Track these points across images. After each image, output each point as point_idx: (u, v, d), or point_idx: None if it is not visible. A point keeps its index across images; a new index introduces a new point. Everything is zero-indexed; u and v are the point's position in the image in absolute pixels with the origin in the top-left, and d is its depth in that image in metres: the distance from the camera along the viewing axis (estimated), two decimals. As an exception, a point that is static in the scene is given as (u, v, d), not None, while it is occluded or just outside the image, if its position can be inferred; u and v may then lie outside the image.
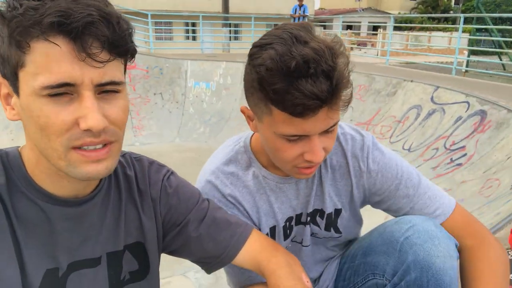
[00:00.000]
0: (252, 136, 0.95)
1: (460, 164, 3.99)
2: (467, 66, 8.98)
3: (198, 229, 0.80)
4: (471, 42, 10.28)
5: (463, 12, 17.34)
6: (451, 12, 26.90)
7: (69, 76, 0.54)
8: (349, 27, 22.46)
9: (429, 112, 5.06)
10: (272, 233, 0.95)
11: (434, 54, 14.37)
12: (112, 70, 0.58)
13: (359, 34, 22.45)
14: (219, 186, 0.91)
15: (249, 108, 0.81)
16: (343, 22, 18.72)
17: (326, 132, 0.76)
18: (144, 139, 6.39)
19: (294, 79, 0.67)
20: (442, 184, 3.86)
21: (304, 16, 10.75)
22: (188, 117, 7.00)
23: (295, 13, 10.64)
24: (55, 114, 0.56)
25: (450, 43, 17.43)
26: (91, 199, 0.70)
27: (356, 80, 6.53)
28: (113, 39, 0.56)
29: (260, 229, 0.95)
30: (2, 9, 0.55)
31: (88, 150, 0.59)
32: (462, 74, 8.11)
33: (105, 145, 0.61)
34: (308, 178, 0.90)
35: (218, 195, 0.91)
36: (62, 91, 0.55)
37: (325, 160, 0.93)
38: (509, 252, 1.59)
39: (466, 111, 4.57)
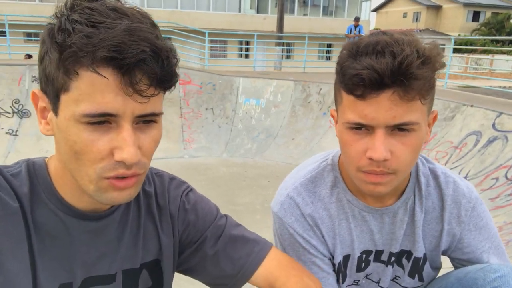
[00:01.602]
0: (341, 154, 0.89)
1: (523, 196, 3.70)
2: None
3: (214, 247, 0.78)
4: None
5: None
6: (518, 34, 25.38)
7: (112, 107, 0.54)
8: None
9: (489, 139, 4.75)
10: (345, 262, 0.90)
11: (497, 78, 13.56)
12: (154, 103, 0.58)
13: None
14: (300, 203, 0.87)
15: (334, 110, 0.82)
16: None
17: (397, 130, 0.70)
18: (193, 152, 6.56)
19: (359, 56, 0.69)
20: (502, 217, 3.59)
21: (359, 37, 10.63)
22: (237, 133, 7.11)
23: (350, 33, 10.56)
24: (92, 142, 0.56)
25: (516, 67, 16.38)
26: (110, 214, 0.69)
27: (411, 102, 6.30)
28: (161, 75, 0.56)
29: (333, 257, 0.90)
30: (52, 26, 0.56)
31: (118, 179, 0.59)
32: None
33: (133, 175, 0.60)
34: (399, 216, 0.86)
35: (297, 212, 0.87)
36: (102, 119, 0.55)
37: (420, 200, 0.87)
38: None
39: (531, 140, 4.25)
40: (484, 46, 21.94)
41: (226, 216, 0.84)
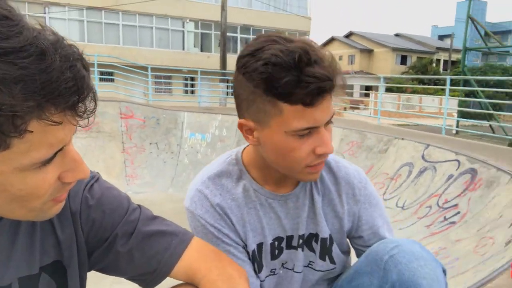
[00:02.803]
0: (244, 150, 0.96)
1: (453, 223, 3.97)
2: (457, 127, 9.24)
3: (127, 245, 0.73)
4: (460, 104, 10.67)
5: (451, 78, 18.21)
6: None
7: None
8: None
9: (420, 170, 5.11)
10: (259, 250, 0.93)
11: (426, 114, 14.81)
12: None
13: (352, 94, 23.25)
14: (208, 195, 0.90)
15: (248, 120, 0.81)
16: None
17: (327, 123, 0.79)
18: (137, 188, 6.33)
19: (302, 68, 0.71)
20: (437, 242, 3.81)
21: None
22: (183, 168, 7.00)
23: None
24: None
25: (441, 104, 18.05)
26: None
27: (349, 136, 6.67)
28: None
29: (246, 245, 0.93)
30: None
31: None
32: (453, 135, 8.33)
33: None
34: (300, 199, 0.92)
35: (207, 203, 0.90)
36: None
37: (316, 184, 0.94)
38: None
39: (456, 169, 4.63)
40: (413, 87, 24.02)
41: (140, 208, 0.78)
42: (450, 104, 12.33)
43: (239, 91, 0.80)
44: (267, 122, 0.78)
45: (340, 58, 38.10)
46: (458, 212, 4.03)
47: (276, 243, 0.94)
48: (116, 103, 7.52)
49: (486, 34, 13.58)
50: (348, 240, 1.01)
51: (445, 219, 4.10)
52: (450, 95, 11.14)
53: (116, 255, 0.73)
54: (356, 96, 22.65)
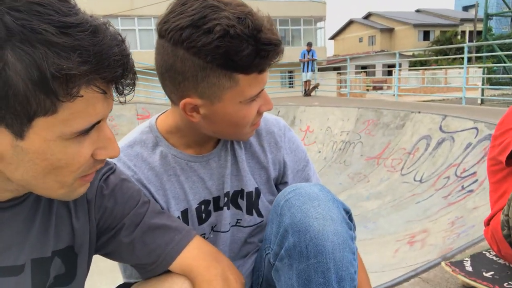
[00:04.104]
0: (158, 118, 0.91)
1: (471, 191, 3.83)
2: (482, 95, 8.85)
3: (131, 235, 0.75)
4: (485, 73, 10.19)
5: (477, 48, 17.39)
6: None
7: None
8: (363, 68, 22.84)
9: (438, 142, 4.95)
10: (185, 217, 0.88)
11: (448, 86, 14.27)
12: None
13: (374, 73, 22.72)
14: (121, 168, 0.84)
15: (194, 97, 0.75)
16: (356, 64, 19.02)
17: None
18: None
19: (257, 36, 0.69)
20: (454, 212, 3.69)
21: (313, 60, 11.04)
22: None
23: (304, 57, 10.95)
24: None
25: (468, 74, 17.35)
26: (15, 205, 0.65)
27: (364, 115, 6.54)
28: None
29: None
30: None
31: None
32: (478, 105, 7.99)
33: None
34: (222, 157, 0.90)
35: None
36: None
37: None
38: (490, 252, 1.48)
39: (475, 137, 4.46)
40: (437, 62, 23.16)
41: (149, 202, 0.80)
42: (475, 74, 11.84)
43: (181, 69, 0.72)
44: (220, 96, 0.74)
45: (361, 40, 37.34)
46: (476, 180, 3.88)
47: (203, 207, 0.90)
48: (132, 105, 7.69)
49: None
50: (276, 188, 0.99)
51: (463, 188, 3.96)
52: (476, 65, 10.72)
53: (119, 243, 0.76)
54: (379, 75, 22.11)
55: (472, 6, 35.00)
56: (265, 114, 0.94)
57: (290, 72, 17.28)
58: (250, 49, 0.68)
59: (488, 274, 1.33)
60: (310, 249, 0.69)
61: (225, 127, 0.80)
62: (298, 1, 22.30)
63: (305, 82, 11.26)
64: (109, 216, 0.75)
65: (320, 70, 14.38)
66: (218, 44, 0.67)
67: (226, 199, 0.91)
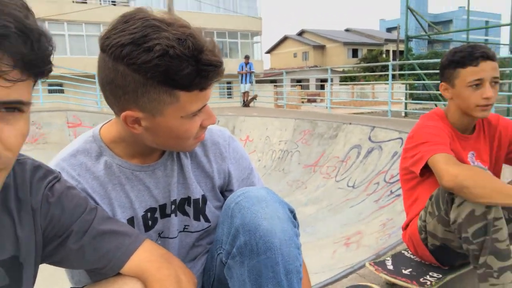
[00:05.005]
0: (101, 128, 0.90)
1: (399, 195, 4.16)
2: (405, 109, 9.67)
3: (80, 241, 0.74)
4: (407, 89, 11.17)
5: (400, 66, 19.00)
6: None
7: None
8: (298, 82, 23.77)
9: (368, 150, 5.32)
10: (131, 225, 0.88)
11: (375, 100, 15.37)
12: (20, 89, 0.52)
13: (308, 87, 23.74)
14: (65, 178, 0.82)
15: (135, 111, 0.76)
16: (291, 78, 19.74)
17: None
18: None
19: (198, 57, 0.71)
20: (385, 215, 3.98)
21: (251, 73, 11.29)
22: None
23: (242, 69, 11.16)
24: None
25: (392, 90, 18.80)
26: None
27: (301, 126, 6.83)
28: (30, 58, 0.50)
29: None
30: None
31: None
32: (402, 117, 8.71)
33: None
34: (168, 167, 0.92)
35: None
36: None
37: None
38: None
39: (400, 146, 4.85)
40: (365, 78, 24.86)
41: (96, 208, 0.79)
42: (399, 90, 12.92)
43: (121, 83, 0.73)
44: (161, 111, 0.76)
45: (295, 55, 38.82)
46: (402, 185, 4.23)
47: (149, 214, 0.91)
48: (62, 113, 7.27)
49: (429, 25, 14.31)
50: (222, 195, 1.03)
51: (392, 192, 4.30)
52: (400, 82, 11.75)
53: (67, 251, 0.74)
54: (313, 89, 23.14)
55: (395, 28, 38.21)
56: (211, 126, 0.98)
57: (229, 83, 17.46)
58: (190, 69, 0.71)
59: (406, 271, 1.46)
60: (260, 246, 0.75)
61: (168, 140, 0.82)
62: (236, 15, 22.74)
63: (244, 93, 11.46)
64: (57, 223, 0.73)
65: (257, 82, 14.72)
66: (157, 62, 0.69)
67: (173, 206, 0.93)
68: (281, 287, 0.76)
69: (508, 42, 10.89)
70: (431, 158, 1.26)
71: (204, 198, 0.96)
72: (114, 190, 0.86)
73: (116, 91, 0.75)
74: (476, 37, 34.87)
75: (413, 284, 1.37)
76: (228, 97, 16.15)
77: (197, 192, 0.94)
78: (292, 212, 0.83)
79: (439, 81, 1.48)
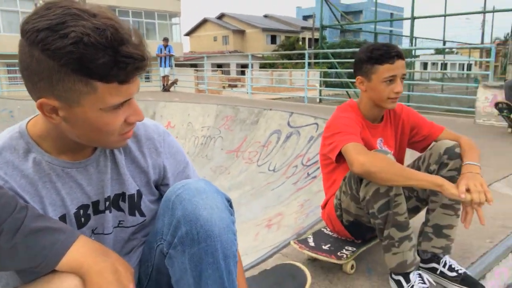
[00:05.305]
0: (28, 122, 0.87)
1: (315, 177, 4.45)
2: (320, 96, 10.24)
3: (11, 240, 0.72)
4: (321, 76, 11.82)
5: (315, 54, 19.91)
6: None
7: None
8: (219, 67, 23.67)
9: (287, 135, 5.58)
10: (63, 222, 0.86)
11: (293, 86, 16.02)
12: None
13: (229, 73, 23.77)
14: None
15: (51, 99, 0.75)
16: (212, 62, 19.55)
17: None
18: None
19: (117, 48, 0.70)
20: (302, 196, 4.24)
21: (170, 56, 10.99)
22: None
23: (161, 52, 10.81)
24: None
25: (308, 77, 19.67)
26: None
27: (223, 112, 6.89)
28: None
29: None
30: None
31: None
32: (317, 103, 9.23)
33: None
34: (101, 163, 0.91)
35: None
36: None
37: None
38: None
39: (316, 131, 5.18)
40: (283, 64, 25.58)
41: (27, 207, 0.77)
42: (314, 77, 13.61)
43: (36, 69, 0.72)
44: (78, 100, 0.74)
45: (215, 39, 38.46)
46: (318, 167, 4.53)
47: (82, 211, 0.90)
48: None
49: (341, 15, 15.15)
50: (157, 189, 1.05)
51: (308, 175, 4.58)
52: (315, 69, 12.38)
53: None
54: (233, 74, 23.23)
55: (311, 16, 39.72)
56: (146, 120, 0.99)
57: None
58: (107, 59, 0.70)
59: (326, 247, 1.61)
60: (201, 235, 0.80)
61: (88, 133, 0.80)
62: (153, -5, 21.74)
63: (163, 77, 11.13)
64: None
65: (177, 66, 14.38)
66: (71, 49, 0.68)
67: (107, 203, 0.93)
68: (220, 270, 0.82)
69: (409, 34, 11.99)
70: (344, 147, 1.41)
71: (139, 193, 0.97)
72: (44, 188, 0.84)
73: (32, 77, 0.73)
74: (383, 27, 37.83)
75: (331, 258, 1.52)
76: (146, 81, 15.54)
77: (132, 187, 0.95)
78: (228, 201, 0.89)
79: (350, 70, 1.64)
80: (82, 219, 0.91)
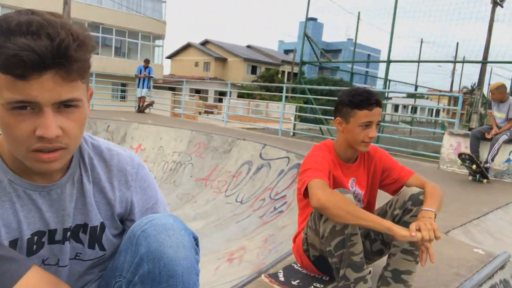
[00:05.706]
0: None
1: (281, 212, 4.45)
2: (294, 129, 10.40)
3: None
4: (297, 111, 12.06)
5: (292, 88, 20.44)
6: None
7: None
8: (197, 92, 23.78)
9: (258, 167, 5.58)
10: (13, 247, 0.82)
11: (269, 118, 16.22)
12: None
13: (206, 99, 23.90)
14: None
15: None
16: (191, 87, 19.64)
17: (64, 107, 0.73)
18: None
19: (12, 36, 0.66)
20: (267, 230, 4.21)
21: (149, 78, 10.97)
22: None
23: (140, 73, 10.78)
24: None
25: (285, 110, 20.02)
26: None
27: (197, 138, 6.86)
28: None
29: None
30: None
31: None
32: (290, 137, 9.35)
33: None
34: (67, 190, 0.87)
35: None
36: None
37: (86, 172, 0.90)
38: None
39: (287, 165, 5.22)
40: (261, 95, 26.00)
41: None
42: (290, 110, 13.86)
43: None
44: None
45: (196, 64, 38.81)
46: (285, 202, 4.54)
47: (36, 237, 0.86)
48: None
49: (321, 52, 15.69)
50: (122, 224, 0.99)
51: (275, 209, 4.57)
52: (291, 103, 12.65)
53: None
54: (211, 101, 23.35)
55: (291, 50, 40.90)
56: (120, 149, 0.95)
57: (124, 85, 16.65)
58: (7, 47, 0.66)
59: (295, 282, 1.64)
60: (163, 275, 0.76)
61: (3, 136, 0.75)
62: (139, 16, 21.92)
63: (140, 98, 11.05)
64: None
65: (155, 87, 14.34)
66: None
67: (68, 233, 0.89)
68: None
69: (383, 76, 12.50)
70: (309, 183, 1.45)
71: (102, 226, 0.92)
72: (2, 207, 0.81)
73: None
74: (360, 68, 39.29)
75: (300, 294, 1.52)
76: (121, 100, 15.39)
77: (96, 219, 0.91)
78: (195, 239, 0.86)
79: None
80: (34, 246, 0.86)
